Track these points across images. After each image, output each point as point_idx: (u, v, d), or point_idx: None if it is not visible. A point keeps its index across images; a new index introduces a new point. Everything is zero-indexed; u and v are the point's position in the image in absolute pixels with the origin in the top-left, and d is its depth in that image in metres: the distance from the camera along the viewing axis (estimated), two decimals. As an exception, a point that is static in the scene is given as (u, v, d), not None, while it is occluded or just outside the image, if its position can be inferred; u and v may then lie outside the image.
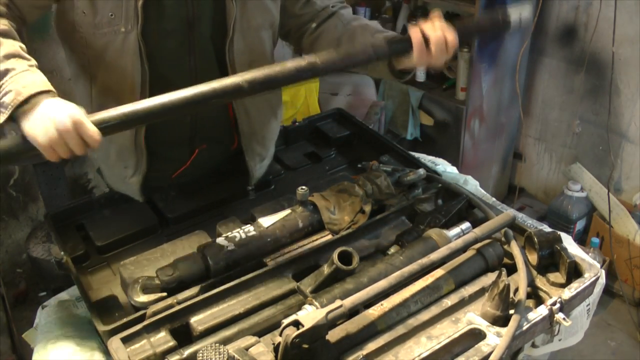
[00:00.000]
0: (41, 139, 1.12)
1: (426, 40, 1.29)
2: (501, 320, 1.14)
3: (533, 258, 1.30)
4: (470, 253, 1.29)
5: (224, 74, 1.50)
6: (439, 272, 1.24)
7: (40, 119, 1.13)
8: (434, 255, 1.20)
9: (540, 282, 1.28)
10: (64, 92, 1.23)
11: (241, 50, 1.51)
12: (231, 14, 1.45)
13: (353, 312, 1.11)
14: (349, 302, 1.08)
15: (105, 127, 1.15)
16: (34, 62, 1.24)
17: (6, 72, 1.17)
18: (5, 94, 1.15)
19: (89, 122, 1.13)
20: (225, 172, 1.64)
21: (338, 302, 1.07)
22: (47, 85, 1.19)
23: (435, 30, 1.29)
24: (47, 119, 1.12)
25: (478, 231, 1.26)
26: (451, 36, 1.29)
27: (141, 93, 1.43)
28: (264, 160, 1.69)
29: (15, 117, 1.15)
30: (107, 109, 1.30)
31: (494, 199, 1.72)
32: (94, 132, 1.13)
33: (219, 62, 1.51)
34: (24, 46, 1.26)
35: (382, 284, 1.12)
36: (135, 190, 1.57)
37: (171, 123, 1.50)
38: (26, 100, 1.14)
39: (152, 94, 1.38)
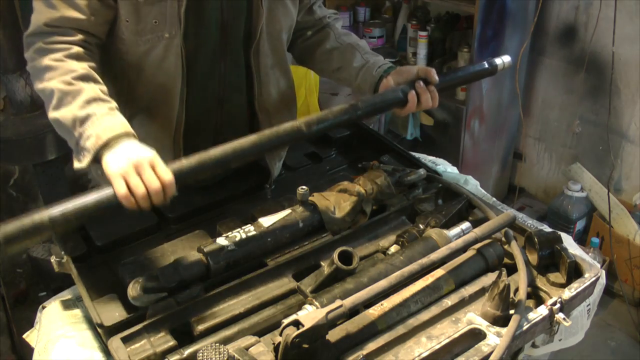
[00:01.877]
0: (119, 177, 1.17)
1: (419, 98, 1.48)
2: (501, 320, 1.14)
3: (533, 258, 1.30)
4: (470, 253, 1.29)
5: (249, 78, 1.57)
6: (439, 272, 1.24)
7: (119, 158, 1.19)
8: (434, 255, 1.20)
9: (540, 282, 1.28)
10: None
11: (266, 53, 1.55)
12: (260, 17, 1.48)
13: (353, 312, 1.11)
14: (349, 302, 1.08)
15: (180, 175, 1.21)
16: (113, 104, 1.29)
17: (88, 117, 1.23)
18: (88, 138, 1.22)
19: (162, 164, 1.20)
20: (243, 173, 1.65)
21: (338, 302, 1.07)
22: (126, 127, 1.25)
23: (429, 98, 1.49)
24: (126, 158, 1.18)
25: (478, 231, 1.26)
26: (436, 98, 1.50)
27: (180, 99, 1.47)
28: (282, 160, 1.74)
29: (97, 159, 1.22)
30: (142, 115, 1.46)
31: (494, 199, 1.72)
32: (167, 171, 1.19)
33: (246, 66, 1.55)
34: (104, 88, 1.31)
35: (382, 284, 1.12)
36: None
37: (197, 127, 1.55)
38: (106, 143, 1.21)
39: (188, 100, 1.47)
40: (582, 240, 3.09)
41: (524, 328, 1.13)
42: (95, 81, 1.31)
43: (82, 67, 1.30)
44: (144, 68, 1.44)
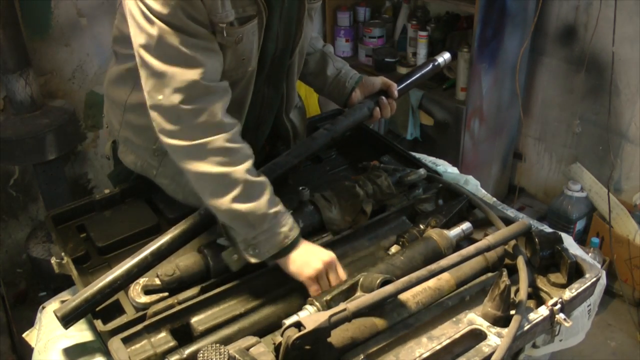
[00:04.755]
0: (310, 270, 1.24)
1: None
2: (502, 321, 1.14)
3: (534, 258, 1.30)
4: (471, 253, 1.29)
5: (282, 96, 1.58)
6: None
7: (310, 259, 1.25)
8: (444, 262, 1.18)
9: (541, 282, 1.28)
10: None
11: (295, 71, 1.57)
12: (298, 39, 1.48)
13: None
14: (353, 305, 1.07)
15: None
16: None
17: (276, 215, 1.25)
18: (274, 235, 1.25)
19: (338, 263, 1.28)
20: None
21: (342, 306, 1.06)
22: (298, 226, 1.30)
23: (389, 110, 1.67)
24: (319, 260, 1.25)
25: (492, 239, 1.24)
26: (394, 108, 1.68)
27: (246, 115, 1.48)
28: None
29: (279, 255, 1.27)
30: None
31: (494, 199, 1.72)
32: (343, 273, 1.28)
33: (281, 84, 1.56)
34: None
35: (388, 289, 1.11)
36: None
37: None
38: (293, 242, 1.27)
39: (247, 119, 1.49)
40: (582, 240, 3.09)
41: (525, 328, 1.13)
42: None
43: (248, 148, 1.28)
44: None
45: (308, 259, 1.25)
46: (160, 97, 1.20)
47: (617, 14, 2.69)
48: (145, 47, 1.19)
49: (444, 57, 1.75)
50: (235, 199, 1.21)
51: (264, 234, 1.23)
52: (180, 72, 1.19)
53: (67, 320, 1.18)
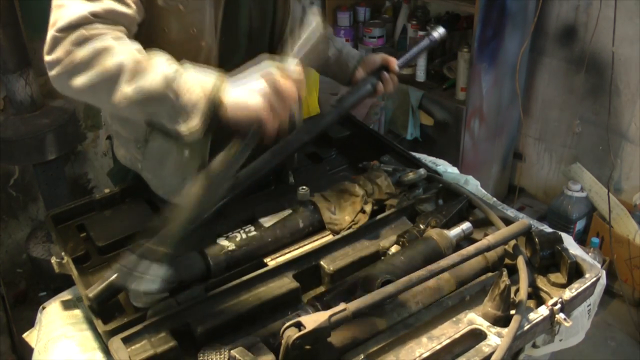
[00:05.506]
0: (257, 99, 1.12)
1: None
2: (502, 321, 1.14)
3: (534, 258, 1.30)
4: (471, 253, 1.29)
5: None
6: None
7: (241, 90, 1.14)
8: (444, 262, 1.18)
9: (541, 282, 1.28)
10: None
11: (286, 51, 1.54)
12: (286, 19, 1.49)
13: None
14: (353, 306, 1.07)
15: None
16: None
17: (177, 71, 1.14)
18: (189, 91, 1.13)
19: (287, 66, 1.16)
20: None
21: (342, 306, 1.06)
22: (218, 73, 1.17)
23: (391, 85, 1.68)
24: (247, 82, 1.14)
25: (492, 239, 1.24)
26: (396, 83, 1.70)
27: None
28: None
29: (213, 108, 1.14)
30: None
31: (494, 199, 1.71)
32: (295, 68, 1.15)
33: None
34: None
35: (388, 289, 1.11)
36: None
37: (221, 137, 1.50)
38: (218, 88, 1.14)
39: None
40: (582, 240, 3.09)
41: (525, 328, 1.13)
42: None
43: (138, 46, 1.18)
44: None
45: (245, 92, 1.12)
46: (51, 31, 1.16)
47: (617, 14, 2.70)
48: None
49: (439, 32, 1.80)
50: (129, 81, 1.12)
51: (181, 95, 1.13)
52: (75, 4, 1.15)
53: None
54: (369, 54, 1.75)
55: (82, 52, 1.13)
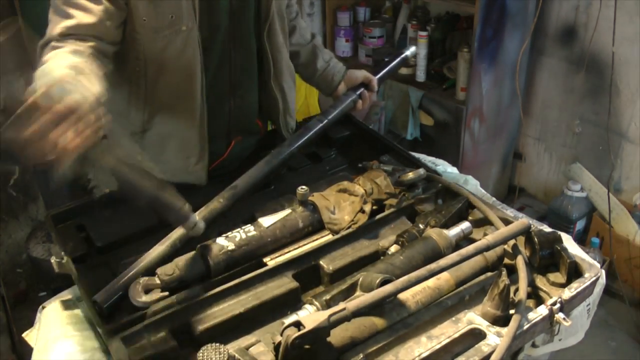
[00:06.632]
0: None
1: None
2: (501, 320, 1.14)
3: (533, 258, 1.30)
4: (470, 253, 1.29)
5: (260, 61, 1.64)
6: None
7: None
8: (443, 262, 1.17)
9: (540, 282, 1.28)
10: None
11: (277, 32, 1.61)
12: None
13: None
14: (352, 305, 1.07)
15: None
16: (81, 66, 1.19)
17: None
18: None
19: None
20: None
21: (342, 305, 1.06)
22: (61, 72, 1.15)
23: (370, 101, 1.89)
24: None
25: (491, 238, 1.23)
26: (373, 97, 1.92)
27: (200, 89, 1.50)
28: (294, 131, 1.82)
29: None
30: (165, 112, 1.51)
31: (494, 199, 1.72)
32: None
33: (258, 50, 1.62)
34: (92, 66, 1.22)
35: (388, 289, 1.11)
36: (202, 175, 1.62)
37: (213, 115, 1.58)
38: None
39: (207, 87, 1.51)
40: (582, 240, 3.09)
41: (524, 328, 1.13)
42: (82, 58, 1.22)
43: (84, 47, 1.26)
44: (163, 63, 1.46)
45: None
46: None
47: (617, 14, 2.70)
48: None
49: (410, 50, 2.05)
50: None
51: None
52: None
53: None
54: (351, 70, 1.91)
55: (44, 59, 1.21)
